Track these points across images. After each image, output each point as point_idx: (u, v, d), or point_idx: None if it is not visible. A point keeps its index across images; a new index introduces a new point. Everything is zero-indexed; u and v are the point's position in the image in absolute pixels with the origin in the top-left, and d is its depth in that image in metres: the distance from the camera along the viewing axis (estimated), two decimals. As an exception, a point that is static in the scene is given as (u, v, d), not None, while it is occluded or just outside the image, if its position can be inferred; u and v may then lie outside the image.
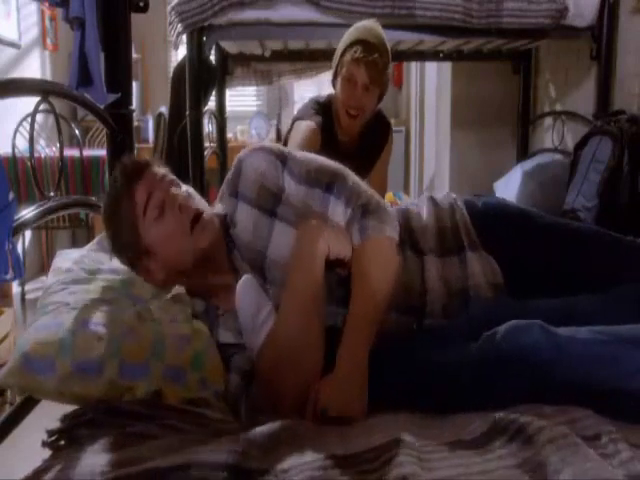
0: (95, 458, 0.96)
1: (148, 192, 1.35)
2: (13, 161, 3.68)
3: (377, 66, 2.22)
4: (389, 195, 4.55)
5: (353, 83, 2.27)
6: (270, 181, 1.39)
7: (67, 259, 1.53)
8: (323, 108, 2.48)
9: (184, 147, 3.01)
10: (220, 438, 0.99)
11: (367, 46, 2.22)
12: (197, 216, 1.35)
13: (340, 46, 2.37)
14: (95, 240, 1.63)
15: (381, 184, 2.72)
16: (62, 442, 1.12)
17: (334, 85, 2.45)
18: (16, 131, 3.68)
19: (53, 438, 1.12)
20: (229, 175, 1.46)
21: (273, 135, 6.40)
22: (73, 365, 1.20)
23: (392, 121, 6.32)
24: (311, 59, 3.99)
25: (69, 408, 1.21)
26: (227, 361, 1.32)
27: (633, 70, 2.85)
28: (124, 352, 1.23)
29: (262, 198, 1.39)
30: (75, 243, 4.91)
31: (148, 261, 1.39)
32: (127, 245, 1.39)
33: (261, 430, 1.01)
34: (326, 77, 3.07)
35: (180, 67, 3.40)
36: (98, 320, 1.27)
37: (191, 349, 1.29)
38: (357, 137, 2.54)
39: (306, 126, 2.36)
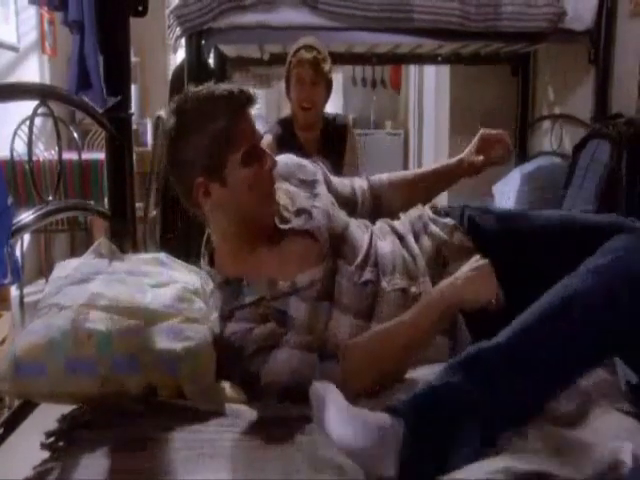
0: (94, 467, 0.95)
1: (252, 129, 1.40)
2: (12, 164, 3.67)
3: (318, 61, 2.63)
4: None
5: (302, 82, 2.66)
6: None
7: (66, 268, 1.53)
8: (283, 121, 2.86)
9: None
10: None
11: (307, 49, 2.64)
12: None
13: (287, 61, 2.72)
14: (91, 248, 1.62)
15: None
16: (60, 443, 1.12)
17: (289, 96, 2.77)
18: (14, 134, 3.67)
19: (51, 439, 1.12)
20: None
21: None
22: (65, 365, 1.21)
23: (389, 124, 6.41)
24: (310, 62, 3.99)
25: (67, 411, 1.21)
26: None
27: (631, 73, 2.86)
28: (115, 347, 1.24)
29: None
30: (73, 246, 4.90)
31: (210, 183, 1.39)
32: (203, 156, 1.37)
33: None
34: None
35: (179, 70, 3.40)
36: (89, 317, 1.28)
37: (181, 342, 1.30)
38: (318, 141, 2.77)
39: (264, 139, 2.65)
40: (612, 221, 1.47)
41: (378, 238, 1.52)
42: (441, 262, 1.47)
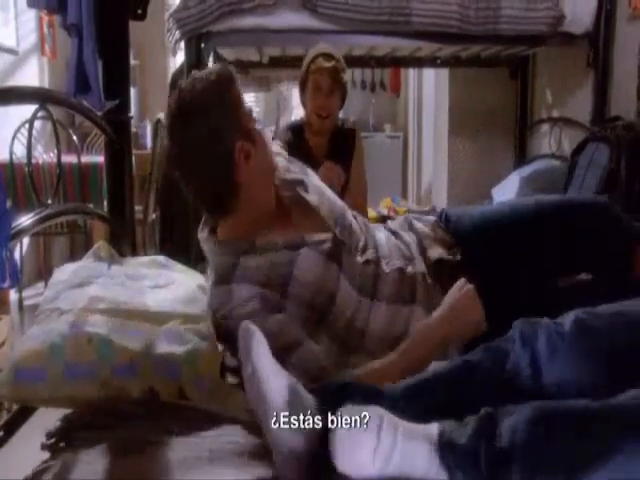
0: (92, 467, 0.96)
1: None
2: (11, 167, 3.67)
3: (337, 71, 2.62)
4: (387, 200, 4.57)
5: (319, 89, 2.64)
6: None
7: (65, 271, 1.53)
8: (295, 127, 2.82)
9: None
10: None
11: (326, 57, 2.62)
12: None
13: (304, 66, 2.68)
14: (90, 252, 1.63)
15: (360, 185, 2.82)
16: (61, 444, 1.12)
17: (303, 101, 2.74)
18: (14, 137, 3.68)
19: (52, 440, 1.13)
20: None
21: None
22: (65, 369, 1.21)
23: (389, 127, 6.42)
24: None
25: (68, 412, 1.22)
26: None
27: (630, 76, 2.86)
28: (115, 351, 1.24)
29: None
30: (73, 249, 4.90)
31: (248, 145, 1.42)
32: (235, 120, 1.41)
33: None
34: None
35: (178, 74, 3.40)
36: (88, 321, 1.28)
37: (182, 344, 1.30)
38: (326, 146, 2.75)
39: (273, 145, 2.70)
40: (585, 201, 1.62)
41: (376, 229, 1.62)
42: (424, 252, 1.57)
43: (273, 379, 1.04)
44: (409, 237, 1.61)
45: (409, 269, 1.50)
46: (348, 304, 1.41)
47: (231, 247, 1.42)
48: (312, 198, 1.54)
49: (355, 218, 1.61)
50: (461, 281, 1.38)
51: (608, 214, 1.61)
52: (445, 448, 0.94)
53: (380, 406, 1.01)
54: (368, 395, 1.09)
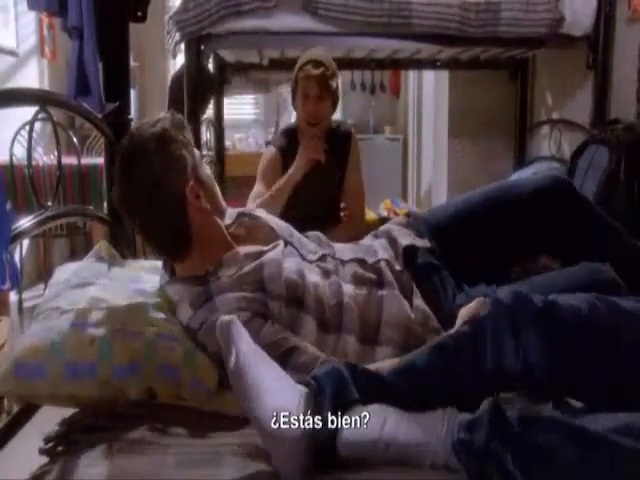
0: (90, 470, 0.96)
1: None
2: (11, 169, 3.67)
3: (325, 77, 2.59)
4: (387, 202, 4.57)
5: (308, 97, 2.63)
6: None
7: (65, 271, 1.54)
8: (288, 131, 2.81)
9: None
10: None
11: (314, 63, 2.59)
12: None
13: (294, 72, 2.67)
14: (92, 252, 1.63)
15: (356, 188, 2.80)
16: (59, 448, 1.12)
17: (294, 106, 2.73)
18: (14, 139, 3.68)
19: (51, 444, 1.13)
20: None
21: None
22: (66, 368, 1.22)
23: (389, 128, 6.43)
24: (309, 67, 4.00)
25: (68, 415, 1.22)
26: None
27: (629, 78, 2.86)
28: (115, 352, 1.24)
29: None
30: (73, 251, 4.90)
31: (197, 188, 1.45)
32: (188, 159, 1.45)
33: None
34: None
35: (178, 75, 3.41)
36: (90, 321, 1.28)
37: (181, 348, 1.30)
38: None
39: (268, 152, 2.77)
40: (546, 184, 1.65)
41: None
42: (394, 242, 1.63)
43: (262, 370, 1.05)
44: (376, 242, 1.66)
45: (370, 260, 1.56)
46: (317, 287, 1.45)
47: (196, 279, 1.43)
48: (260, 213, 1.64)
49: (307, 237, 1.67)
50: (480, 299, 1.40)
51: (568, 192, 1.67)
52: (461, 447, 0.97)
53: (381, 391, 1.06)
54: (368, 381, 1.11)
